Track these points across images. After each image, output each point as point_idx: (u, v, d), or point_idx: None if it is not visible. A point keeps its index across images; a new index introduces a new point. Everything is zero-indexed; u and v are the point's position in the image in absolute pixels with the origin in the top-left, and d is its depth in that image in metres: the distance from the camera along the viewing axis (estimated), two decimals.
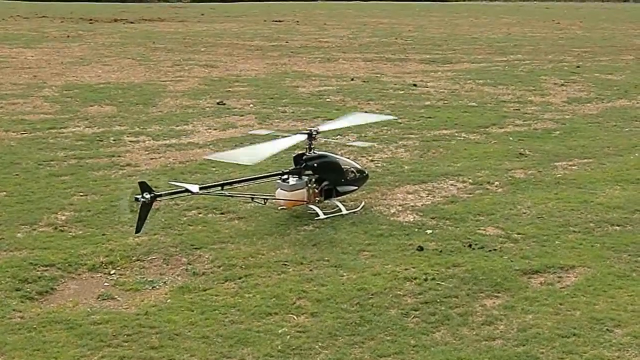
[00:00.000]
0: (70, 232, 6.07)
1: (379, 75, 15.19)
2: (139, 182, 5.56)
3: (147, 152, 8.61)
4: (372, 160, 8.28)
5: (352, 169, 6.75)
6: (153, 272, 5.35)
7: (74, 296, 4.98)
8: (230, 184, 6.26)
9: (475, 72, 15.74)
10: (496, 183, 7.48)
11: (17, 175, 7.61)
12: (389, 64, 17.00)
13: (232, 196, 6.38)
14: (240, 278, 5.19)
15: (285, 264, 5.42)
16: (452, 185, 7.42)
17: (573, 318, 4.64)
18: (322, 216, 6.33)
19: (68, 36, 21.95)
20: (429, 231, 6.11)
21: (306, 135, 6.56)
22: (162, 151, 8.70)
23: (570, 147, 9.03)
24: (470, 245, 5.79)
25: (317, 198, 6.48)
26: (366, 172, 6.96)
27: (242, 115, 10.81)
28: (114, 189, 7.16)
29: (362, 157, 8.39)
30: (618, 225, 6.30)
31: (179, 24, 28.68)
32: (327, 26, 28.19)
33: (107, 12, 32.33)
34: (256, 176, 6.57)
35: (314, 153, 6.56)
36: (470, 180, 7.56)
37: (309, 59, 17.68)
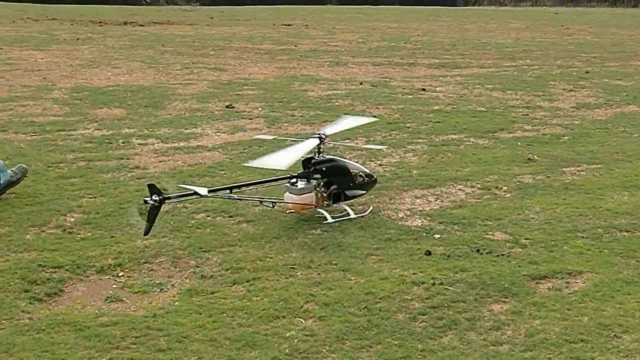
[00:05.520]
0: (78, 234, 6.08)
1: (387, 79, 15.19)
2: (147, 185, 5.57)
3: (155, 155, 8.63)
4: (380, 165, 8.29)
5: (361, 173, 6.75)
6: (161, 274, 5.36)
7: (82, 298, 4.99)
8: (239, 187, 6.27)
9: (484, 77, 15.73)
10: (504, 188, 7.48)
11: (26, 177, 7.63)
12: (397, 69, 17.00)
13: (240, 199, 6.39)
14: (248, 281, 5.20)
15: (293, 268, 5.43)
16: (460, 190, 7.42)
17: (581, 324, 4.63)
18: (330, 220, 6.34)
19: (78, 39, 22.01)
20: (437, 236, 6.11)
21: (318, 139, 6.56)
22: (170, 154, 8.72)
23: (579, 153, 9.02)
24: (478, 250, 5.79)
25: (325, 202, 6.48)
26: (375, 177, 6.96)
27: (251, 119, 10.83)
28: (123, 191, 7.18)
29: (371, 161, 8.39)
30: (626, 231, 6.29)
31: (189, 27, 28.73)
32: (336, 30, 28.20)
33: (117, 15, 32.40)
34: (265, 179, 6.58)
35: (323, 157, 6.57)
36: (478, 185, 7.56)
37: (318, 63, 17.69)
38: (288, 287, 5.09)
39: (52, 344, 4.32)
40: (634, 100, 13.00)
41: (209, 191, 5.95)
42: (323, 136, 6.58)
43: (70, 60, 16.96)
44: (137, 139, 9.40)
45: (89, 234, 6.07)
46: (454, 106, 12.13)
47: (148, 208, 5.53)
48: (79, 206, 6.75)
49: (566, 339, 4.43)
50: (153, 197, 5.49)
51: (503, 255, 5.71)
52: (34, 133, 9.69)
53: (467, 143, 9.48)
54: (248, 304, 4.86)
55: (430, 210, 6.78)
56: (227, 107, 11.69)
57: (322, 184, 6.43)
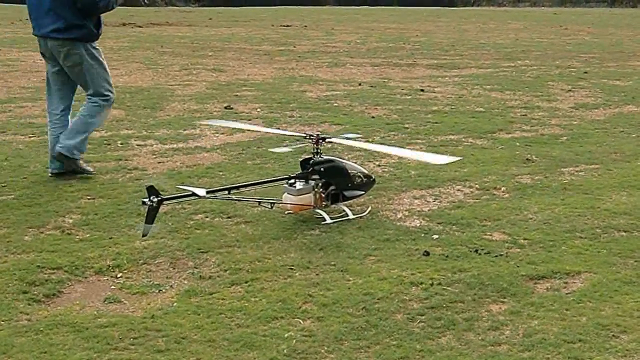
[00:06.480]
0: (77, 235, 6.08)
1: (386, 80, 15.20)
2: (146, 186, 5.57)
3: (154, 156, 8.63)
4: (379, 165, 8.29)
5: (359, 173, 6.75)
6: (160, 275, 5.36)
7: (80, 299, 4.99)
8: (237, 188, 6.27)
9: (483, 77, 15.74)
10: (503, 188, 7.48)
11: (25, 178, 7.64)
12: (396, 69, 17.02)
13: (239, 200, 6.39)
14: (246, 282, 5.20)
15: (291, 268, 5.43)
16: (458, 190, 7.42)
17: (579, 324, 4.63)
18: (328, 221, 6.34)
19: None
20: (435, 236, 6.11)
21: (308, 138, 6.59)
22: (169, 155, 8.72)
23: (577, 153, 9.02)
24: (476, 251, 5.79)
25: (323, 202, 6.48)
26: (373, 177, 6.96)
27: (249, 120, 10.83)
28: (122, 192, 7.18)
29: (369, 161, 8.40)
30: (624, 231, 6.29)
31: (187, 28, 28.76)
32: (335, 31, 28.22)
33: (116, 16, 32.38)
34: (263, 180, 6.58)
35: (321, 157, 6.57)
36: (477, 186, 7.56)
37: (317, 64, 17.70)
38: (286, 288, 5.09)
39: (50, 345, 4.32)
40: (633, 101, 13.01)
41: (208, 192, 5.95)
42: (320, 137, 6.59)
43: None
44: (135, 140, 9.40)
45: (88, 235, 6.07)
46: (453, 107, 12.14)
47: (147, 209, 5.53)
48: (77, 207, 6.75)
49: (564, 339, 4.43)
50: (151, 198, 5.49)
51: (501, 255, 5.71)
52: (32, 134, 9.69)
53: (466, 143, 9.49)
54: (246, 304, 4.86)
55: (428, 210, 6.79)
56: (225, 108, 11.69)
57: (320, 184, 6.44)
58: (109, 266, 5.47)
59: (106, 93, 7.73)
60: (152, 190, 5.52)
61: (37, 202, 6.89)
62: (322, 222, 6.33)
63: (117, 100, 8.31)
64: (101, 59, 7.72)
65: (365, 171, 6.97)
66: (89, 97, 7.74)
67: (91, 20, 7.52)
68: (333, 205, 6.57)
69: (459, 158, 7.65)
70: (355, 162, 7.55)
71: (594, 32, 29.45)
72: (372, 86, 14.25)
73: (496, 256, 5.69)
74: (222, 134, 9.89)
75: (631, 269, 5.51)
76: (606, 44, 24.05)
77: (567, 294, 5.08)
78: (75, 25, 7.40)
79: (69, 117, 7.88)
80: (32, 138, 9.49)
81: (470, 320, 4.68)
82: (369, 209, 6.73)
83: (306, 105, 12.03)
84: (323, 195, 6.47)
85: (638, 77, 16.12)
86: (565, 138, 9.94)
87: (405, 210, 6.78)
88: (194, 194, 5.84)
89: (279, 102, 12.33)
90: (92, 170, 7.84)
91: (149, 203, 5.50)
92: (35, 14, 7.58)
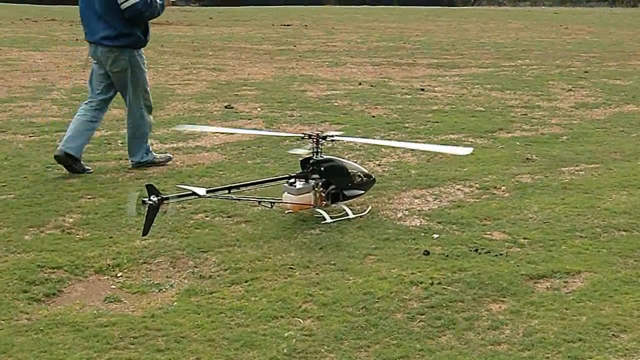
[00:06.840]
0: (77, 234, 6.09)
1: (386, 79, 15.20)
2: (146, 185, 5.57)
3: None
4: (379, 165, 8.30)
5: (359, 173, 6.75)
6: (160, 275, 5.36)
7: (80, 298, 4.99)
8: (238, 187, 6.27)
9: (483, 76, 15.74)
10: (503, 188, 7.48)
11: (25, 177, 7.64)
12: (396, 69, 17.02)
13: (238, 199, 6.39)
14: (246, 281, 5.20)
15: (291, 268, 5.43)
16: (458, 189, 7.42)
17: (579, 323, 4.63)
18: (328, 220, 6.34)
19: (77, 39, 21.99)
20: (435, 236, 6.11)
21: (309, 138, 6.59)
22: (169, 154, 8.70)
23: (577, 152, 9.02)
24: (476, 250, 5.79)
25: (323, 202, 6.48)
26: (373, 177, 6.96)
27: (249, 119, 10.84)
28: (122, 192, 7.18)
29: (369, 161, 8.40)
30: (625, 231, 6.28)
31: (187, 27, 28.75)
32: (336, 30, 28.22)
33: None
34: (263, 180, 6.58)
35: (321, 157, 6.57)
36: (477, 185, 7.56)
37: (317, 63, 17.70)
38: (286, 287, 5.09)
39: (50, 344, 4.33)
40: (633, 100, 13.02)
41: (208, 191, 5.95)
42: (320, 136, 6.59)
43: (69, 61, 16.97)
44: None
45: (88, 235, 6.08)
46: (453, 106, 12.14)
47: (147, 208, 5.53)
48: (77, 207, 6.75)
49: (564, 339, 4.43)
50: (151, 198, 5.49)
51: (501, 255, 5.71)
52: (32, 134, 9.70)
53: (466, 143, 9.49)
54: (246, 304, 4.86)
55: (428, 210, 6.79)
56: (226, 107, 11.69)
57: (320, 184, 6.43)
58: (109, 265, 5.47)
59: (144, 102, 8.05)
60: (152, 190, 5.52)
61: (37, 201, 6.89)
62: (322, 222, 6.33)
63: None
64: (144, 68, 7.98)
65: (366, 170, 6.96)
66: (129, 112, 8.05)
67: (139, 27, 7.78)
68: (333, 205, 6.57)
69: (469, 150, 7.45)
70: (356, 162, 7.55)
71: (595, 32, 29.44)
72: (372, 85, 14.25)
73: (496, 255, 5.69)
74: (222, 133, 9.89)
75: (631, 268, 5.51)
76: (606, 44, 24.04)
77: (567, 293, 5.08)
78: (124, 33, 7.66)
79: (103, 115, 8.17)
80: (33, 137, 9.49)
81: (470, 320, 4.68)
82: (369, 208, 6.73)
83: (306, 105, 12.03)
84: (323, 195, 6.46)
85: (638, 76, 16.12)
86: (565, 137, 9.94)
87: (405, 210, 6.79)
88: (194, 193, 5.84)
89: (279, 101, 12.33)
90: (90, 170, 7.86)
91: (149, 202, 5.51)
92: (86, 21, 7.90)
